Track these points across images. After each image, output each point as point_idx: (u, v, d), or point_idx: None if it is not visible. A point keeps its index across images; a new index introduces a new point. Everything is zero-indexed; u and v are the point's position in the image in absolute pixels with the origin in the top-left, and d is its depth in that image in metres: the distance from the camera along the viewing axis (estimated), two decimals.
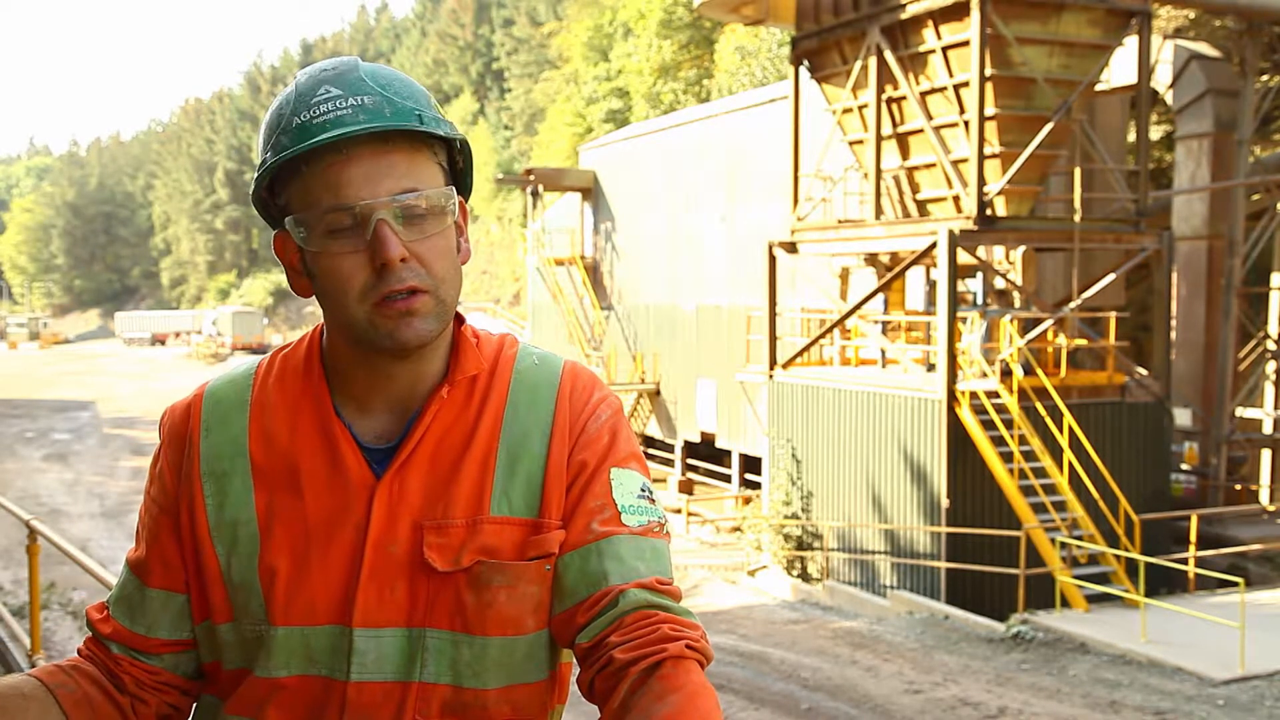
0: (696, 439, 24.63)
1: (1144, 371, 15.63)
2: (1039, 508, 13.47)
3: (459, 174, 1.28)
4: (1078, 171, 15.05)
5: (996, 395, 14.09)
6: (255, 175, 1.24)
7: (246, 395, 1.30)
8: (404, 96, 1.20)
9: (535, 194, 29.93)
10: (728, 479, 23.83)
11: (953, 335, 14.19)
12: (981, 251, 14.94)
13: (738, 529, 19.78)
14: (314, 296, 1.26)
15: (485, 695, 1.24)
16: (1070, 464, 13.85)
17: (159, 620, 1.32)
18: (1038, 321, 15.20)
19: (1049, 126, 14.42)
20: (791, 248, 17.51)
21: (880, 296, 16.28)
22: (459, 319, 1.31)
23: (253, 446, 1.27)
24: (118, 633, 1.32)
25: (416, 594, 1.22)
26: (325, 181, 1.18)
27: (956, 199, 15.15)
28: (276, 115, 1.21)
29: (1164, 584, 13.90)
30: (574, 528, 1.24)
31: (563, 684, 1.35)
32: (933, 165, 15.61)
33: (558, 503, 1.26)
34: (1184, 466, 17.25)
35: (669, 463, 26.19)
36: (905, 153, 16.08)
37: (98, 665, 1.32)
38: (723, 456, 24.08)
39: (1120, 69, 16.46)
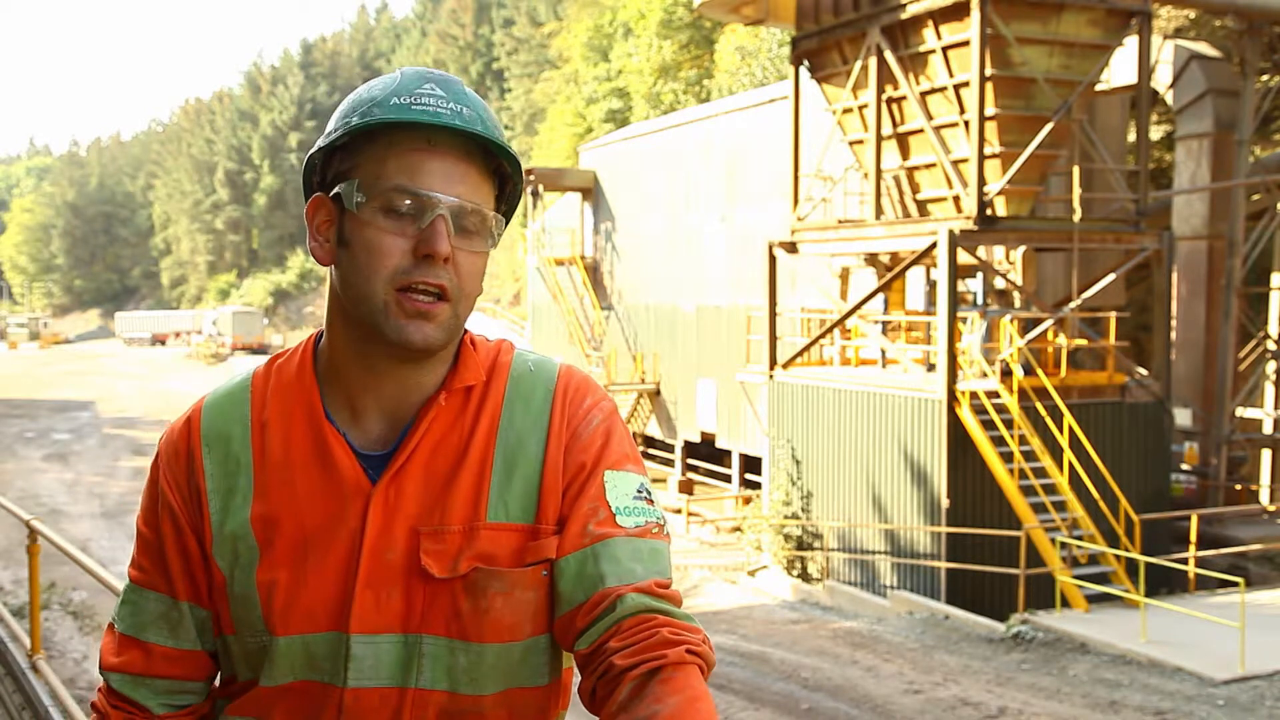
0: (696, 439, 24.62)
1: (1144, 371, 15.63)
2: (1039, 508, 13.46)
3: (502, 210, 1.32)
4: (1077, 171, 15.05)
5: (996, 395, 14.08)
6: (332, 132, 1.24)
7: (245, 409, 1.30)
8: (493, 124, 1.26)
9: (535, 194, 29.92)
10: (728, 479, 23.82)
11: (953, 335, 14.19)
12: (981, 251, 14.94)
13: (738, 529, 19.77)
14: (332, 266, 1.26)
15: (482, 701, 1.25)
16: (1070, 464, 13.84)
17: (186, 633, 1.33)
18: (1038, 321, 15.20)
19: (1049, 126, 14.42)
20: (791, 248, 17.51)
21: (880, 296, 16.28)
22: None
23: (254, 460, 1.27)
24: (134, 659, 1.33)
25: (412, 600, 1.22)
26: (404, 163, 1.21)
27: (956, 199, 15.15)
28: (371, 92, 1.24)
29: (1164, 584, 13.89)
30: (569, 532, 1.23)
31: (564, 691, 1.34)
32: (933, 165, 15.60)
33: (555, 507, 1.25)
34: (1184, 466, 17.24)
35: (669, 463, 26.18)
36: (905, 153, 16.07)
37: None
38: (723, 456, 24.08)
39: (1120, 69, 16.45)
